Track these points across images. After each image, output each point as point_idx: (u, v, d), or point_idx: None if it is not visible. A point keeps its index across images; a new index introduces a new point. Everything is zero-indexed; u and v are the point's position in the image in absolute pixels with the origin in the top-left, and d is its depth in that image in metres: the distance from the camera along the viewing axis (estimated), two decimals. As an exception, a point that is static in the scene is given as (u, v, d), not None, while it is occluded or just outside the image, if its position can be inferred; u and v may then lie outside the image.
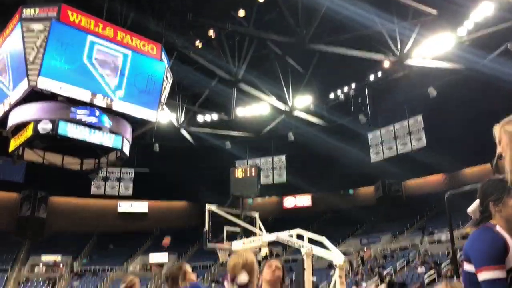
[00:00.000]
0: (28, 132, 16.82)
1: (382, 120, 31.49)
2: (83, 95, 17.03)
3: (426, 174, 34.16)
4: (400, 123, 31.04)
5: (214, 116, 32.73)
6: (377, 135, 32.31)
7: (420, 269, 23.66)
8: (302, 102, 31.00)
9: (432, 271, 22.38)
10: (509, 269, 1.78)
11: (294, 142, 34.26)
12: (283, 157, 37.81)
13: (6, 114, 17.11)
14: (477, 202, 2.10)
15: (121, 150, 18.23)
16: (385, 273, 24.65)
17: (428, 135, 29.37)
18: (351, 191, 39.85)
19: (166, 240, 14.04)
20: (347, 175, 35.06)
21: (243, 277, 2.50)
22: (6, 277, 34.22)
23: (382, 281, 23.47)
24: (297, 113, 31.24)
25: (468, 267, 1.92)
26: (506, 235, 1.88)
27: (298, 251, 13.38)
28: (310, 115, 32.12)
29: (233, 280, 2.56)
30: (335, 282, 8.74)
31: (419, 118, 29.96)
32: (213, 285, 30.12)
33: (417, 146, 29.71)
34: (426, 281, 21.87)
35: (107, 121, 17.66)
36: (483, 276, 1.77)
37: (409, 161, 30.48)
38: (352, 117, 31.50)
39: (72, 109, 16.86)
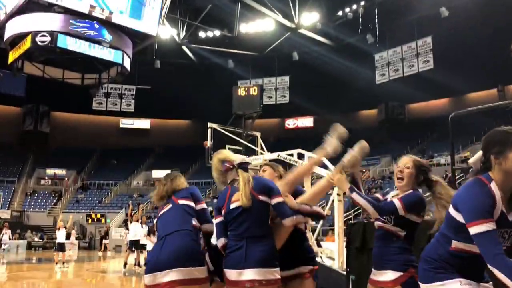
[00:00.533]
0: (26, 44, 16.41)
1: (390, 40, 30.60)
2: (82, 6, 16.39)
3: (431, 97, 33.80)
4: (408, 44, 30.19)
5: (217, 33, 31.76)
6: (384, 56, 31.58)
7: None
8: (308, 20, 29.91)
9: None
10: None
11: (299, 62, 33.59)
12: (286, 78, 37.29)
13: (3, 25, 16.61)
14: (479, 153, 2.09)
15: (121, 65, 17.92)
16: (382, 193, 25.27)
17: (436, 57, 28.70)
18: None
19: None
20: (351, 97, 34.74)
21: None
22: (13, 188, 35.27)
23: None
24: (302, 31, 30.26)
25: (453, 212, 2.00)
26: (497, 192, 1.93)
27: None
28: (316, 34, 31.14)
29: (226, 166, 2.83)
30: (332, 201, 8.88)
31: (428, 39, 29.11)
32: (214, 200, 31.07)
33: (424, 68, 29.15)
34: (422, 202, 22.44)
35: (107, 35, 17.16)
36: (474, 230, 1.85)
37: (414, 84, 30.05)
38: (359, 37, 30.58)
39: (71, 21, 16.32)
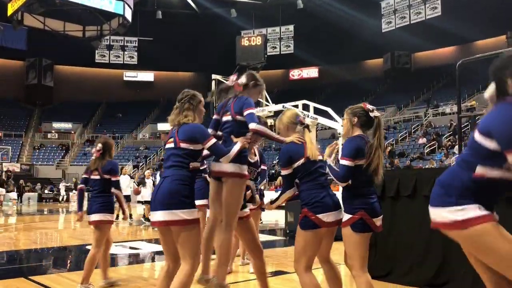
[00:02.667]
0: (25, -4, 16.10)
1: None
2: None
3: (437, 45, 33.18)
4: (416, -10, 29.35)
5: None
6: (390, 3, 30.78)
7: (421, 140, 24.27)
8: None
9: (433, 142, 22.97)
10: None
11: (303, 11, 32.79)
12: (291, 27, 36.56)
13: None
14: (493, 85, 1.98)
15: (123, 16, 17.63)
16: (386, 143, 25.36)
17: (444, 4, 27.93)
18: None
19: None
20: (356, 46, 34.14)
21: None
22: (21, 142, 35.64)
23: (383, 150, 24.22)
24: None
25: (481, 139, 1.89)
26: None
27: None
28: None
29: (299, 123, 3.10)
30: (337, 151, 8.94)
31: (437, -16, 28.24)
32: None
33: (431, 15, 28.46)
34: (426, 151, 22.56)
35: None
36: None
37: (421, 32, 29.42)
38: (365, -17, 29.70)
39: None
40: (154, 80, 43.16)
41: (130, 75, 42.60)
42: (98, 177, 4.39)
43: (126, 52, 39.53)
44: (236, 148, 3.04)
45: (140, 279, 4.85)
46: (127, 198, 12.33)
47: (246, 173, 3.18)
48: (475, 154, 1.94)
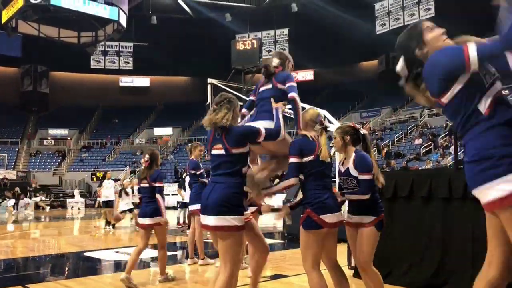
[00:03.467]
0: (19, 3, 16.10)
1: (391, -12, 29.87)
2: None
3: (433, 46, 33.30)
4: (409, -9, 29.50)
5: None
6: (384, 5, 30.91)
7: (418, 141, 24.34)
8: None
9: (429, 143, 23.04)
10: None
11: (298, 14, 32.90)
12: (285, 30, 36.65)
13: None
14: (401, 60, 2.15)
15: (117, 22, 17.64)
16: (382, 144, 25.41)
17: (438, 5, 28.06)
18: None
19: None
20: (351, 48, 34.25)
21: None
22: (17, 149, 35.51)
23: (379, 151, 24.30)
24: (301, -19, 29.52)
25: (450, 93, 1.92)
26: None
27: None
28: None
29: (318, 122, 3.17)
30: (334, 153, 8.96)
31: (430, -14, 28.38)
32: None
33: (425, 16, 28.56)
34: (422, 152, 22.63)
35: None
36: None
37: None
38: (359, -15, 29.83)
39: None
40: (150, 85, 43.15)
41: (126, 81, 42.58)
42: (147, 185, 4.85)
43: (121, 58, 39.51)
44: (279, 115, 3.15)
45: (140, 286, 4.83)
46: (110, 203, 12.00)
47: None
48: (464, 108, 1.85)
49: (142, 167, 5.02)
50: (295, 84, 3.39)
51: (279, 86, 3.38)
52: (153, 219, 4.80)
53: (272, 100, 3.26)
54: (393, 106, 31.87)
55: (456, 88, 1.85)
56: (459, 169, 4.21)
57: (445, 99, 1.89)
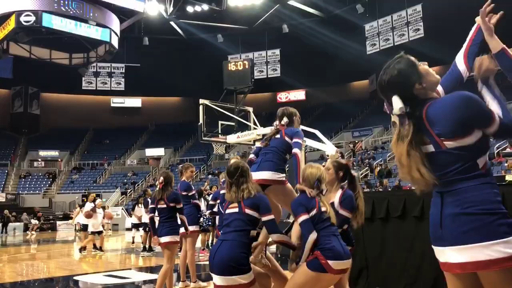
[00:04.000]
0: (10, 25, 16.14)
1: (380, 10, 30.32)
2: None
3: (421, 66, 33.77)
4: (398, 13, 29.96)
5: (205, 7, 31.29)
6: (374, 26, 31.36)
7: (409, 160, 24.40)
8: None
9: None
10: None
11: (289, 35, 33.26)
12: (277, 51, 36.99)
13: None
14: (396, 98, 1.97)
15: (109, 43, 17.70)
16: (375, 163, 25.48)
17: (427, 25, 28.54)
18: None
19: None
20: (342, 68, 34.62)
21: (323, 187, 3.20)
22: (7, 171, 35.15)
23: (372, 171, 24.34)
24: (292, 2, 29.92)
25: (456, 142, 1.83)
26: None
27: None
28: (305, 5, 30.80)
29: (313, 186, 3.16)
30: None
31: (418, 7, 28.87)
32: (209, 176, 31.21)
33: (414, 36, 29.01)
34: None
35: (93, 12, 16.88)
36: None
37: (406, 53, 29.90)
38: (349, 7, 30.28)
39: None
40: (142, 105, 43.17)
41: (117, 101, 42.58)
42: (164, 205, 5.20)
43: (113, 79, 39.56)
44: (287, 237, 3.23)
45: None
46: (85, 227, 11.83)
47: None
48: (466, 159, 1.77)
49: (157, 189, 5.36)
50: (300, 141, 3.75)
51: (287, 139, 3.75)
52: (172, 237, 5.12)
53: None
54: (385, 125, 32.07)
55: (470, 139, 1.75)
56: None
57: (451, 144, 1.76)
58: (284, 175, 3.65)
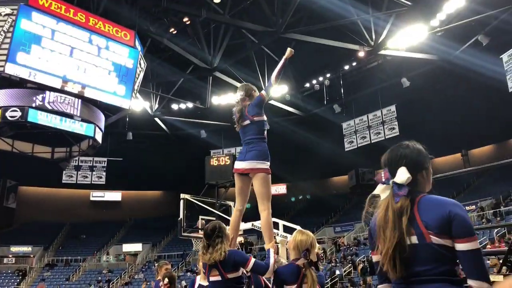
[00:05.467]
0: (-4, 120, 16.33)
1: (356, 109, 31.82)
2: (54, 82, 16.62)
3: (398, 163, 34.73)
4: (373, 112, 31.40)
5: (189, 105, 32.42)
6: (351, 124, 32.65)
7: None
8: (277, 92, 31.02)
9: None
10: None
11: (270, 131, 34.00)
12: (258, 147, 37.80)
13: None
14: (404, 170, 1.98)
15: (93, 138, 17.94)
16: (358, 260, 25.07)
17: (401, 125, 29.85)
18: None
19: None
20: (321, 164, 35.36)
21: (313, 256, 3.16)
22: (-26, 268, 33.41)
23: (355, 268, 23.87)
24: (272, 102, 31.25)
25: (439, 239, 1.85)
26: None
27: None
28: (285, 105, 32.19)
29: (303, 255, 3.15)
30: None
31: (393, 107, 30.38)
32: (188, 274, 30.08)
33: (390, 135, 30.16)
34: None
35: (79, 109, 17.31)
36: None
37: (382, 150, 30.61)
38: (327, 107, 31.72)
39: (43, 96, 16.46)
40: (122, 199, 42.65)
41: (97, 195, 42.06)
42: None
43: (94, 172, 39.42)
44: (271, 260, 3.21)
45: None
46: None
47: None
48: (445, 257, 1.75)
49: None
50: (262, 98, 4.10)
51: (255, 118, 4.02)
52: None
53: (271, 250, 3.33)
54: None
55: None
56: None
57: (437, 240, 1.76)
58: (268, 163, 3.96)
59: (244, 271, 3.26)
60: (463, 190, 29.86)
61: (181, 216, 15.65)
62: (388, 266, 1.80)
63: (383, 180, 2.00)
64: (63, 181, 38.57)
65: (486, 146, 32.42)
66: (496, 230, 20.41)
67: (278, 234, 12.65)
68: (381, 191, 1.98)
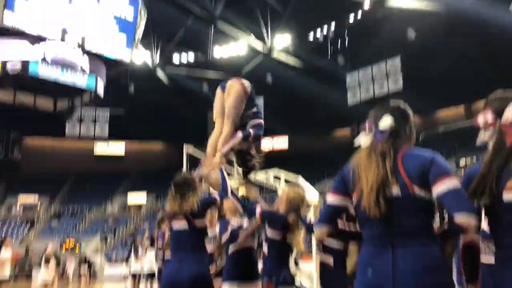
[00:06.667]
0: (-4, 72, 16.24)
1: (360, 62, 31.37)
2: (54, 32, 16.37)
3: (401, 116, 34.62)
4: (378, 65, 30.97)
5: (191, 57, 32.01)
6: (354, 77, 32.29)
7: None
8: (281, 43, 30.53)
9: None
10: None
11: (273, 85, 34.02)
12: (260, 100, 37.64)
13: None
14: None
15: (95, 90, 17.88)
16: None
17: (405, 78, 29.51)
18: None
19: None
20: (324, 117, 35.29)
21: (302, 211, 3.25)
22: (-17, 217, 34.23)
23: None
24: (275, 54, 30.84)
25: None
26: None
27: (274, 191, 13.67)
28: (289, 57, 31.74)
29: (296, 210, 3.23)
30: (310, 220, 8.93)
31: (397, 60, 29.92)
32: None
33: (394, 88, 29.89)
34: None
35: (80, 61, 17.14)
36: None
37: (385, 104, 30.70)
38: (330, 59, 31.26)
39: (43, 48, 16.25)
40: (125, 151, 42.96)
41: (101, 147, 42.35)
42: None
43: (97, 124, 39.53)
44: (224, 175, 3.34)
45: None
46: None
47: None
48: (427, 211, 1.76)
49: None
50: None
51: None
52: None
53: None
54: (367, 174, 32.41)
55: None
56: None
57: (420, 192, 1.75)
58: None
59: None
60: (466, 144, 29.88)
61: (184, 167, 15.79)
62: (370, 204, 1.77)
63: (367, 129, 2.04)
64: (66, 133, 38.78)
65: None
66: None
67: (279, 187, 12.82)
68: (364, 139, 2.03)
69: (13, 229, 34.03)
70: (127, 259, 12.11)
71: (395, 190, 1.77)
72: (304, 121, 36.41)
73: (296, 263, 10.34)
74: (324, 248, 3.36)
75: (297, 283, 8.83)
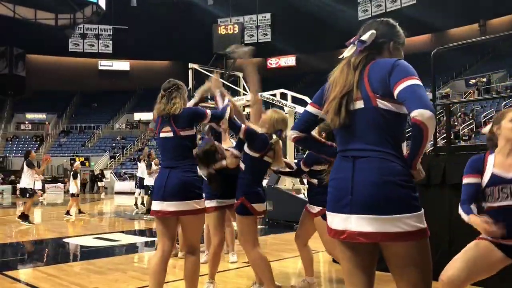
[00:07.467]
0: (-7, -17, 15.59)
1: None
2: None
3: (413, 33, 33.50)
4: (391, -22, 29.53)
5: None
6: (366, -10, 30.96)
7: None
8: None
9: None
10: None
11: (279, 3, 32.74)
12: (268, 15, 36.41)
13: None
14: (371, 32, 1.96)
15: (96, 4, 17.27)
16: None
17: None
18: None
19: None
20: (333, 35, 34.22)
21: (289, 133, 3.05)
22: (-7, 133, 34.80)
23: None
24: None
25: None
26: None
27: (281, 107, 13.62)
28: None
29: (276, 132, 3.31)
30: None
31: (411, -27, 28.48)
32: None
33: (407, 3, 28.69)
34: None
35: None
36: None
37: (397, 19, 29.59)
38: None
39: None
40: (130, 69, 42.53)
41: (105, 64, 41.89)
42: None
43: (100, 41, 38.78)
44: (225, 100, 3.33)
45: (118, 272, 4.81)
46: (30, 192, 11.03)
47: None
48: (387, 123, 1.72)
49: None
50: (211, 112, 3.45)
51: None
52: None
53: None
54: (374, 93, 32.16)
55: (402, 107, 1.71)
56: (438, 155, 4.27)
57: (384, 103, 1.70)
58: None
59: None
60: (476, 62, 29.19)
61: (190, 85, 15.67)
62: (332, 112, 1.77)
63: (351, 41, 1.97)
64: (69, 49, 38.19)
65: (505, 16, 30.85)
66: (504, 103, 20.42)
67: (286, 105, 12.74)
68: (347, 51, 1.96)
69: (23, 144, 34.72)
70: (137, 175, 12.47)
71: (359, 102, 1.74)
72: (313, 38, 35.46)
73: (302, 182, 10.57)
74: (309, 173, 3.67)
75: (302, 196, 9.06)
